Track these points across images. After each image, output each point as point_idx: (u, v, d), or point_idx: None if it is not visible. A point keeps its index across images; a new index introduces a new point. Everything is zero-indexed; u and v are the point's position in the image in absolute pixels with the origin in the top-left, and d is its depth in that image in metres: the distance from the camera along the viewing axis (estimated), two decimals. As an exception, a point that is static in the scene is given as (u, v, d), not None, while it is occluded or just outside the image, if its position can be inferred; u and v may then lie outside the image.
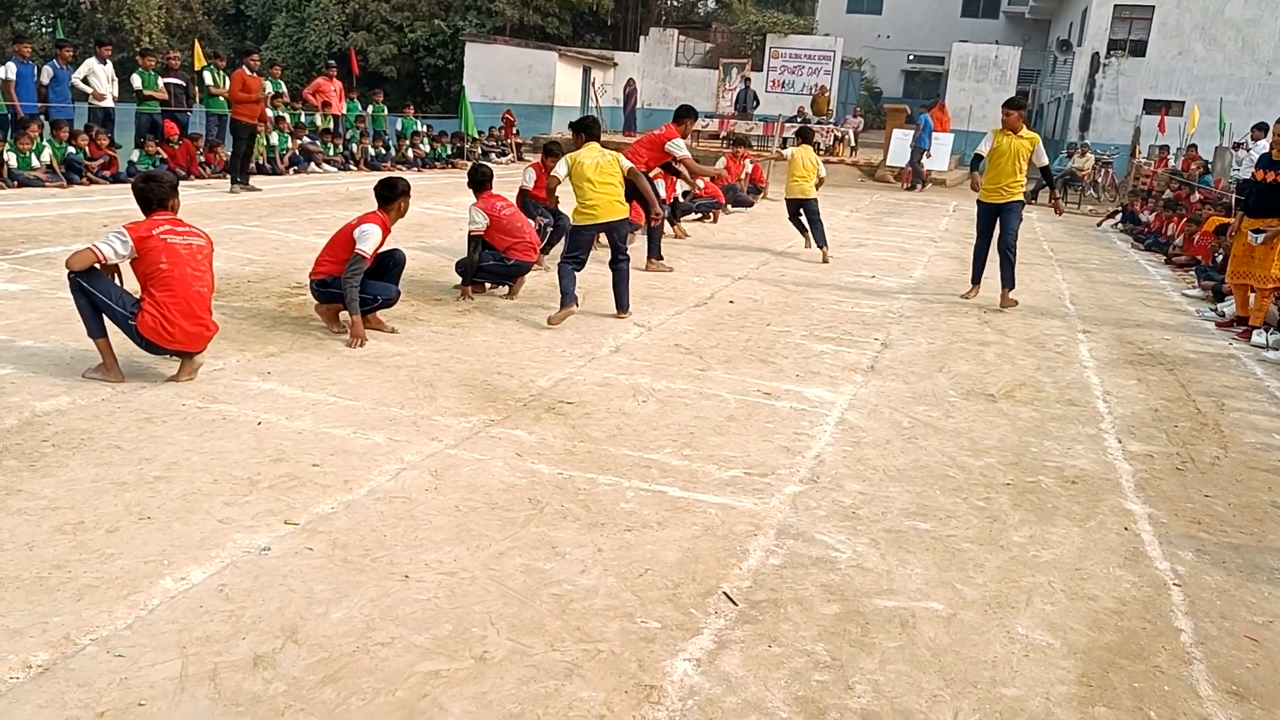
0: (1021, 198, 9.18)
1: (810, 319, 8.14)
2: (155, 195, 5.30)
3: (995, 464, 5.01)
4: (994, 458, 5.10)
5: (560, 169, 7.50)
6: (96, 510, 3.62)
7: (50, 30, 38.42)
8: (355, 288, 6.21)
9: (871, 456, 4.97)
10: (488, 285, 8.19)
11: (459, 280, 8.06)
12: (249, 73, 13.80)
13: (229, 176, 14.27)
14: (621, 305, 7.72)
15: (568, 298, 7.29)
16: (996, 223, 9.24)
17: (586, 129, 7.72)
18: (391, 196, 6.55)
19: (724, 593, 3.45)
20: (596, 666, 2.93)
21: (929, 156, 22.66)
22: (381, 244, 6.44)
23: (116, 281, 5.20)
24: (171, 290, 5.10)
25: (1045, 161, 9.35)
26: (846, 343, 7.39)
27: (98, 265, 5.05)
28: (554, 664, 2.92)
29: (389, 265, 6.63)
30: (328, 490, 4.00)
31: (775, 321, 7.95)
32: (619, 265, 7.72)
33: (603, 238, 7.92)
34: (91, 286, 5.03)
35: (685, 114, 10.08)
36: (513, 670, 2.87)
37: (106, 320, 5.08)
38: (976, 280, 9.71)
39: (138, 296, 5.13)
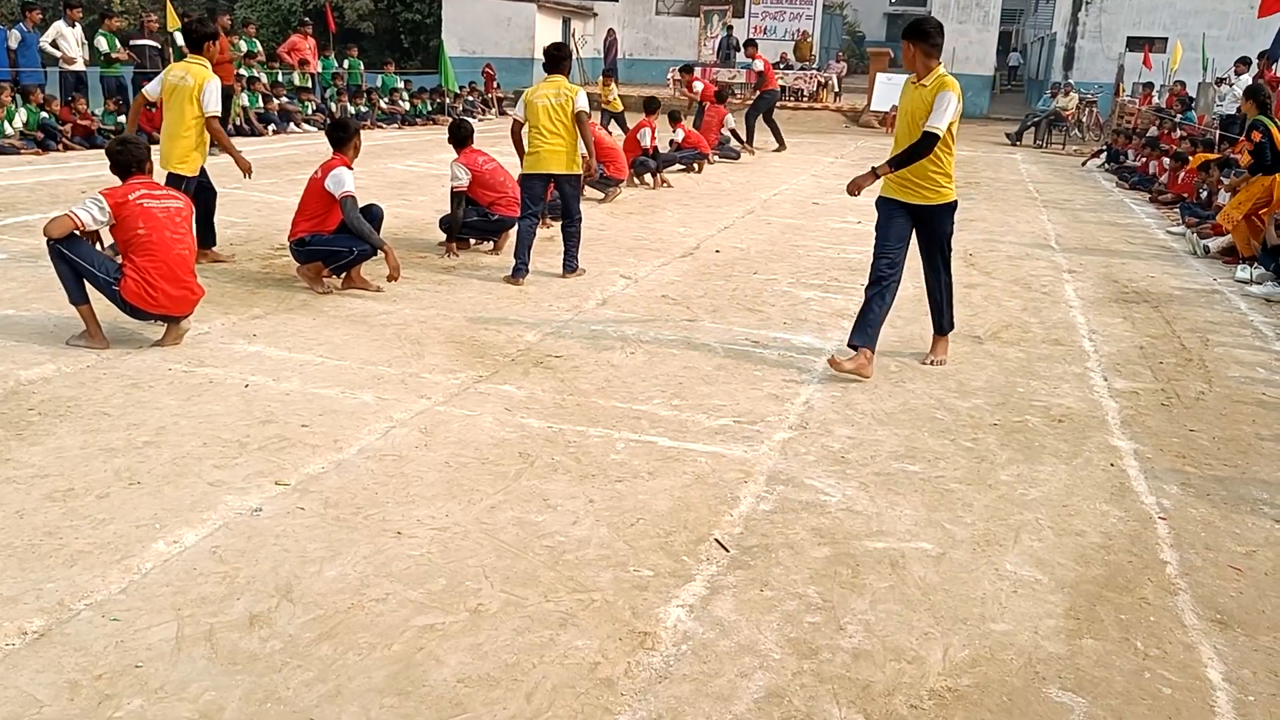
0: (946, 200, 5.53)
1: (797, 266, 8.13)
2: (132, 158, 5.26)
3: (983, 405, 5.03)
4: (981, 399, 5.13)
5: (519, 109, 7.16)
6: (86, 477, 3.62)
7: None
8: (363, 222, 6.30)
9: (860, 401, 4.99)
10: (472, 241, 8.15)
11: (443, 237, 8.02)
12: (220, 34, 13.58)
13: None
14: (569, 266, 7.36)
15: (517, 269, 7.07)
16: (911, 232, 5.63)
17: (550, 59, 7.16)
18: (345, 137, 6.55)
19: (715, 539, 3.47)
20: (590, 615, 2.95)
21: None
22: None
23: (98, 247, 5.16)
24: (153, 254, 5.07)
25: (934, 126, 5.08)
26: (834, 289, 7.39)
27: (77, 232, 5.01)
28: (548, 614, 2.95)
29: (367, 219, 6.58)
30: (318, 450, 4.00)
31: (762, 270, 7.94)
32: (568, 228, 7.36)
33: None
34: (72, 253, 4.99)
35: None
36: (507, 622, 2.89)
37: (89, 287, 5.05)
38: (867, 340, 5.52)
39: (119, 262, 5.10)
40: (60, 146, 13.26)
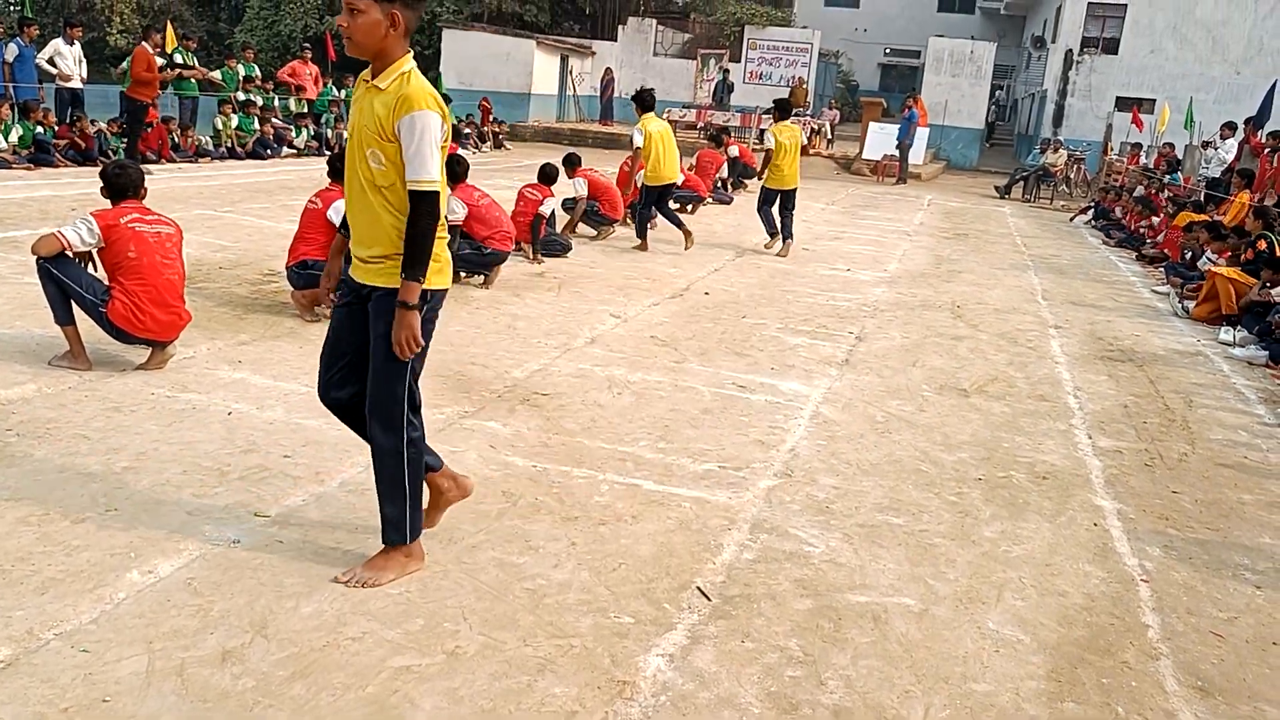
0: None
1: (786, 311, 8.15)
2: (129, 182, 5.24)
3: (968, 459, 5.03)
4: (966, 452, 5.13)
5: (639, 139, 10.41)
6: (62, 502, 3.58)
7: (19, 7, 37.81)
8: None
9: (845, 450, 4.99)
10: (464, 275, 8.14)
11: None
12: (151, 50, 13.61)
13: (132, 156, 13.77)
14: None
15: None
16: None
17: (646, 102, 10.72)
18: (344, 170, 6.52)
19: (698, 587, 3.45)
20: (569, 662, 2.92)
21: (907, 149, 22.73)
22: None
23: (88, 269, 5.14)
24: (142, 278, 5.04)
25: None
26: (822, 336, 7.40)
27: (68, 253, 4.98)
28: (526, 659, 2.91)
29: None
30: (299, 482, 3.96)
31: (751, 314, 7.96)
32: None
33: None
34: (61, 273, 4.96)
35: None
36: (484, 666, 2.86)
37: (75, 308, 5.01)
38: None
39: (107, 284, 5.07)
40: (56, 162, 13.23)
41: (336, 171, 6.56)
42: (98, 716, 2.48)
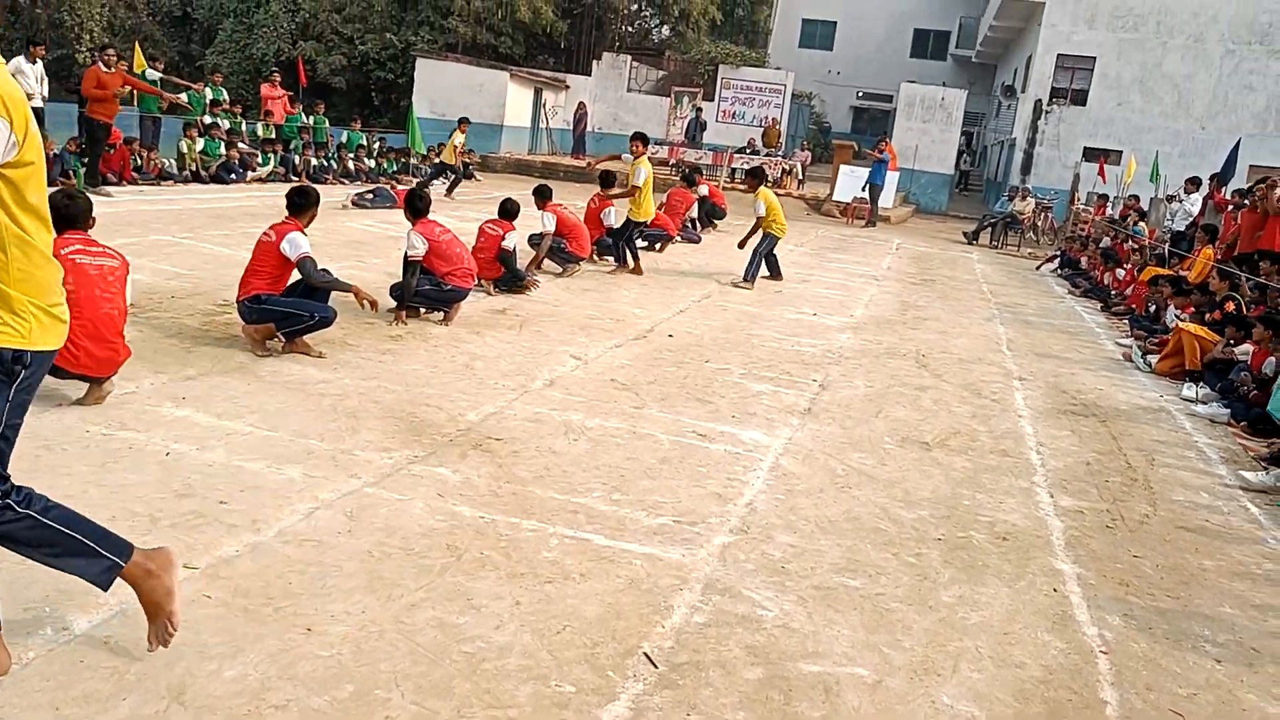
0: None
1: (750, 356, 8.07)
2: (78, 211, 5.09)
3: (928, 517, 4.94)
4: (927, 510, 5.03)
5: (641, 177, 11.30)
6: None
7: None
8: (327, 275, 6.48)
9: (804, 506, 4.88)
10: (423, 310, 8.00)
11: (393, 305, 7.87)
12: (104, 69, 13.25)
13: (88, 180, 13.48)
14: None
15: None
16: None
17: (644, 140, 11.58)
18: (305, 204, 6.52)
19: (644, 653, 3.31)
20: (505, 735, 2.78)
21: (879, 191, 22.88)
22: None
23: None
24: (79, 312, 4.83)
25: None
26: (785, 383, 7.31)
27: None
28: (459, 732, 2.77)
29: (317, 290, 6.43)
30: (234, 530, 3.80)
31: (715, 358, 7.87)
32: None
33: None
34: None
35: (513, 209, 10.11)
36: (415, 738, 2.71)
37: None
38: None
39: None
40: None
41: (294, 205, 6.44)
42: (-9, 793, 2.31)
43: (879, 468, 5.63)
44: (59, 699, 2.66)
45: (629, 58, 33.34)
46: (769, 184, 13.71)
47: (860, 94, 47.22)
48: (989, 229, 22.46)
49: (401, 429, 5.27)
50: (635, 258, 11.61)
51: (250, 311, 6.31)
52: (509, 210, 9.51)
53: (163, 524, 3.77)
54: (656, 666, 3.25)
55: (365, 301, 6.47)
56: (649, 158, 11.70)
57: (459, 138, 18.38)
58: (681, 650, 3.37)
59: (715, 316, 9.71)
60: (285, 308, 6.25)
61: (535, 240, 11.02)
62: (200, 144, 16.39)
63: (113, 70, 13.36)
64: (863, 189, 23.07)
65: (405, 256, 7.72)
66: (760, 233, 12.01)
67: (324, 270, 6.49)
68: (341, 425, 5.19)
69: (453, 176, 18.18)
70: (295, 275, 6.37)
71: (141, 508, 3.88)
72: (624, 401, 6.34)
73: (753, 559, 4.18)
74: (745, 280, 11.80)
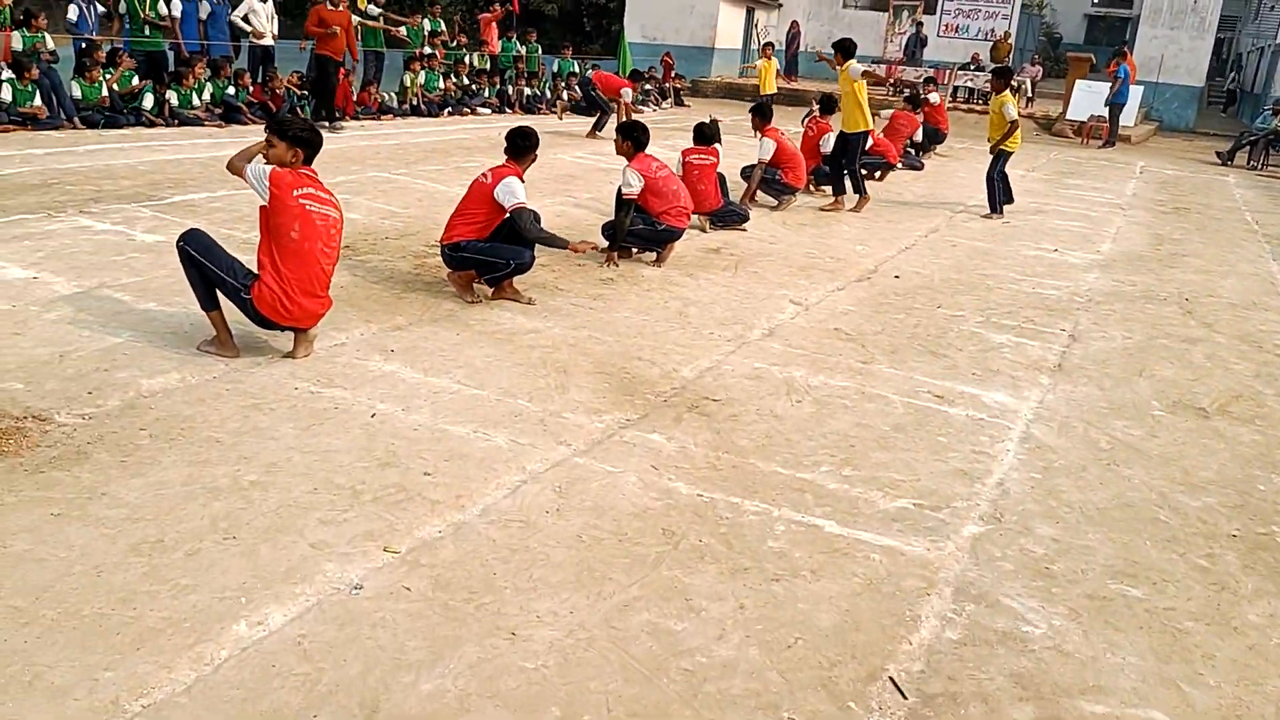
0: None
1: (986, 301, 7.31)
2: (318, 146, 4.92)
3: (1216, 505, 4.21)
4: (1214, 496, 4.30)
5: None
6: (180, 524, 3.25)
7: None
8: (542, 231, 6.14)
9: (1065, 488, 4.24)
10: (635, 251, 7.63)
11: (605, 244, 7.53)
12: (330, 6, 12.91)
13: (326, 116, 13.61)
14: None
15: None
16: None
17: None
18: (527, 148, 6.14)
19: (890, 679, 2.84)
20: (732, 783, 2.38)
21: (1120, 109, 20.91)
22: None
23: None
24: (301, 265, 4.71)
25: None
26: (1029, 333, 6.56)
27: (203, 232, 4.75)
28: (680, 775, 2.39)
29: (520, 234, 6.13)
30: (437, 508, 3.54)
31: (946, 303, 7.17)
32: None
33: None
34: (202, 255, 4.68)
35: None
36: (629, 782, 2.35)
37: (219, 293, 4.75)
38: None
39: (250, 268, 4.76)
40: (246, 121, 13.39)
41: (515, 147, 6.12)
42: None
43: (1149, 440, 4.89)
44: (247, 712, 2.44)
45: (845, -29, 31.73)
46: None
47: (1095, 1, 43.59)
48: (1248, 148, 20.22)
49: (613, 387, 4.92)
50: (861, 188, 10.74)
51: (451, 259, 6.11)
52: (707, 135, 8.92)
53: (364, 499, 3.55)
54: (906, 697, 2.77)
55: (585, 250, 6.17)
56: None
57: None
58: (934, 676, 2.88)
59: (944, 254, 8.93)
60: (483, 254, 5.99)
61: (746, 172, 10.45)
62: (422, 77, 16.51)
63: (339, 7, 13.20)
64: (1105, 104, 21.12)
65: (619, 194, 7.34)
66: (1000, 150, 10.89)
67: (538, 222, 6.14)
68: (550, 382, 4.90)
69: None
70: (527, 204, 6.03)
71: (344, 478, 3.68)
72: (849, 355, 5.79)
73: (1010, 556, 3.61)
74: (995, 212, 10.93)
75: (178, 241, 4.74)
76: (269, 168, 4.65)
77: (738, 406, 4.83)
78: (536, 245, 6.12)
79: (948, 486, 4.15)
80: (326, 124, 13.26)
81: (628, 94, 15.49)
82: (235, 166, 4.74)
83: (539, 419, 4.43)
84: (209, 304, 4.73)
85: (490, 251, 5.97)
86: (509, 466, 3.92)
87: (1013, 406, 5.18)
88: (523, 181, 6.00)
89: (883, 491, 4.04)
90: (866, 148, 10.96)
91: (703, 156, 8.83)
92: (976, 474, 4.31)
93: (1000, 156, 10.91)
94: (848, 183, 10.66)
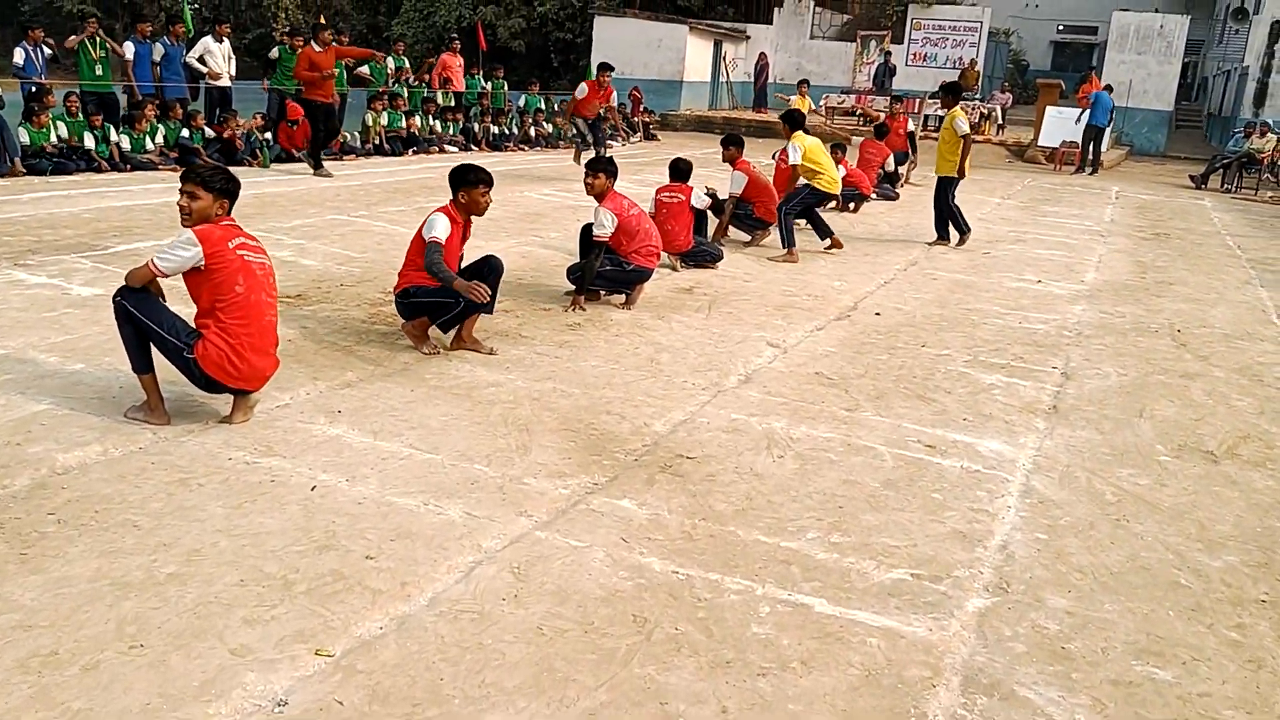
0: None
1: (972, 338, 6.99)
2: (236, 191, 4.52)
3: (1239, 565, 3.86)
4: (1235, 554, 3.95)
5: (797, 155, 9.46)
6: (80, 631, 2.83)
7: (195, 8, 38.59)
8: (440, 267, 5.50)
9: (1074, 549, 3.89)
10: (602, 293, 7.27)
11: (571, 286, 7.17)
12: (317, 49, 12.30)
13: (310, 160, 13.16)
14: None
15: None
16: None
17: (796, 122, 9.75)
18: (458, 183, 5.77)
19: (898, 798, 2.46)
20: None
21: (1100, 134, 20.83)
22: (456, 235, 5.71)
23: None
24: (246, 319, 4.32)
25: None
26: (1020, 372, 6.23)
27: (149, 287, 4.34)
28: None
29: (484, 273, 5.76)
30: (379, 599, 3.14)
31: (931, 341, 6.84)
32: None
33: None
34: (141, 312, 4.28)
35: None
36: None
37: (155, 352, 4.34)
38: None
39: (192, 324, 4.37)
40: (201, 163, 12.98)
41: (451, 185, 5.79)
42: None
43: (1158, 490, 4.55)
44: None
45: (811, 3, 31.73)
46: (964, 105, 11.82)
47: (1060, 27, 43.93)
48: (1221, 171, 20.18)
49: (579, 446, 4.54)
50: (825, 232, 10.12)
51: (403, 307, 5.76)
52: (682, 171, 8.61)
53: (297, 590, 3.14)
54: (917, 821, 2.39)
55: (476, 295, 5.50)
56: (823, 103, 10.38)
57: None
58: (948, 792, 2.50)
59: (925, 288, 8.63)
60: (432, 296, 5.62)
61: (719, 204, 10.10)
62: (385, 117, 16.17)
63: (325, 50, 12.43)
64: (1079, 122, 21.00)
65: (589, 235, 6.98)
66: (956, 169, 10.45)
67: (443, 262, 5.64)
68: (511, 442, 4.51)
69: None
70: (441, 241, 5.62)
71: (275, 566, 3.27)
72: (833, 401, 5.44)
73: (1022, 635, 3.24)
74: (965, 232, 10.69)
75: (114, 296, 4.34)
76: (189, 231, 4.25)
77: (714, 464, 4.46)
78: (499, 290, 5.77)
79: (947, 552, 3.78)
80: (314, 169, 12.87)
81: (586, 88, 14.54)
82: (138, 276, 4.29)
83: (498, 486, 4.04)
84: (142, 365, 4.32)
85: (439, 292, 5.60)
86: (462, 545, 3.53)
87: (1009, 455, 4.84)
88: (456, 221, 5.71)
89: (876, 560, 3.67)
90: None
91: (673, 194, 8.52)
92: (977, 536, 3.95)
93: (953, 181, 10.55)
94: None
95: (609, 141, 17.24)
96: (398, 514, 3.72)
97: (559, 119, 19.78)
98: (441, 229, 5.54)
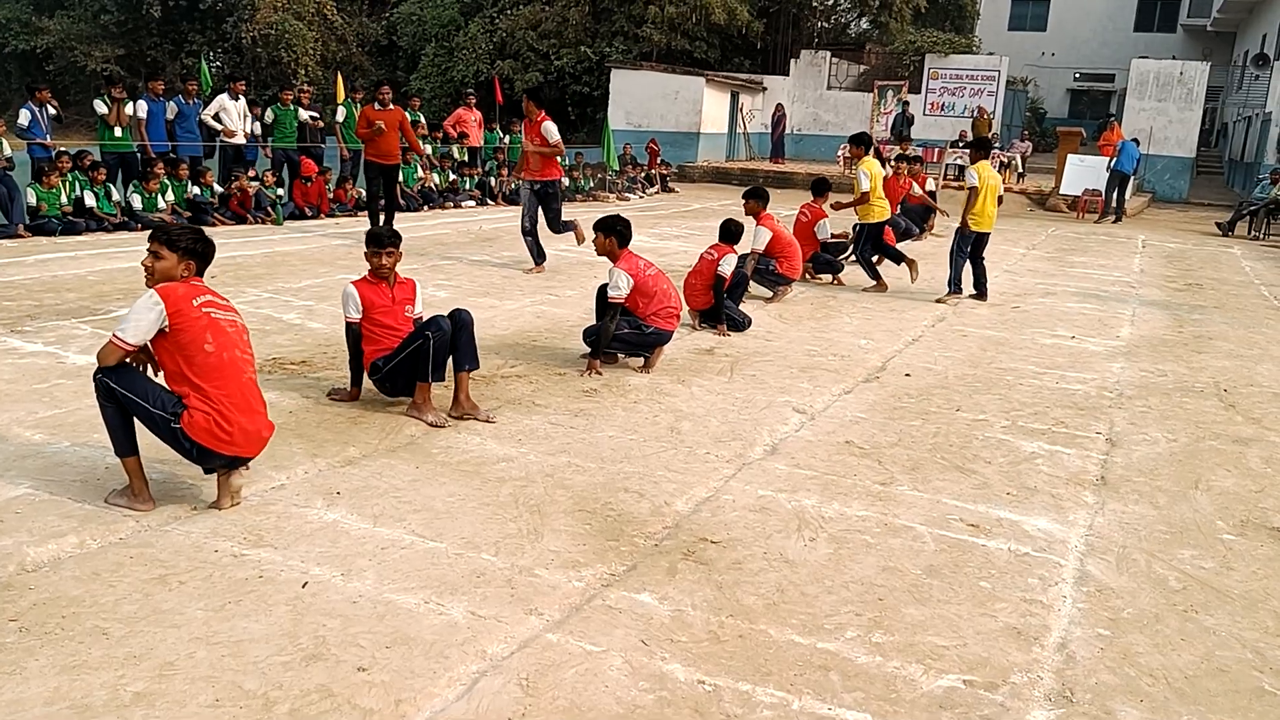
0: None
1: (1009, 400, 6.63)
2: (211, 253, 4.28)
3: (1326, 666, 3.48)
4: (1319, 652, 3.57)
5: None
6: (28, 769, 2.52)
7: (217, 66, 38.90)
8: (352, 349, 5.67)
9: (1141, 648, 3.52)
10: (620, 356, 6.97)
11: (587, 350, 6.87)
12: (377, 107, 12.05)
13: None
14: None
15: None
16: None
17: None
18: (369, 247, 5.74)
19: None
20: None
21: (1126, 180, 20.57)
22: (377, 297, 5.65)
23: (148, 372, 4.19)
24: (222, 379, 4.04)
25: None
26: (1062, 439, 5.87)
27: (127, 360, 4.05)
28: None
29: (453, 324, 5.44)
30: (370, 719, 2.80)
31: (966, 404, 6.49)
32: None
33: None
34: (124, 388, 4.00)
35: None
36: None
37: (140, 430, 4.05)
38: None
39: (177, 395, 4.08)
40: (214, 222, 12.82)
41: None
42: None
43: (1225, 574, 4.17)
44: None
45: (828, 54, 31.76)
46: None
47: (1077, 75, 43.93)
48: (1247, 218, 19.82)
49: (595, 530, 4.21)
50: (875, 274, 10.87)
51: (380, 385, 5.60)
52: (732, 233, 8.30)
53: (278, 711, 2.81)
54: None
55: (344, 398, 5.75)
56: (841, 153, 10.46)
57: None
58: None
59: (955, 346, 8.28)
60: (397, 356, 5.41)
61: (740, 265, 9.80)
62: (400, 173, 16.01)
63: (390, 108, 12.15)
64: (1108, 170, 20.73)
65: (605, 296, 6.69)
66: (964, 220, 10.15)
67: (452, 317, 5.47)
68: (522, 527, 4.18)
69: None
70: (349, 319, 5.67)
71: (256, 681, 2.94)
72: (866, 474, 5.10)
73: (1094, 757, 2.88)
74: (951, 293, 10.28)
75: (95, 374, 4.06)
76: (149, 290, 4.00)
77: (741, 549, 4.12)
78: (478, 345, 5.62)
79: (1001, 653, 3.42)
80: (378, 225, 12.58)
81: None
82: (106, 355, 4.02)
83: (506, 579, 3.71)
84: (126, 448, 4.03)
85: (402, 349, 5.45)
86: (465, 652, 3.19)
87: (1060, 535, 4.47)
88: (354, 289, 5.66)
89: (924, 665, 3.31)
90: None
91: (712, 252, 8.21)
92: (1032, 632, 3.58)
93: (965, 234, 10.22)
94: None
95: (625, 194, 17.03)
96: (396, 614, 3.39)
97: (575, 173, 19.64)
98: (353, 303, 5.58)
